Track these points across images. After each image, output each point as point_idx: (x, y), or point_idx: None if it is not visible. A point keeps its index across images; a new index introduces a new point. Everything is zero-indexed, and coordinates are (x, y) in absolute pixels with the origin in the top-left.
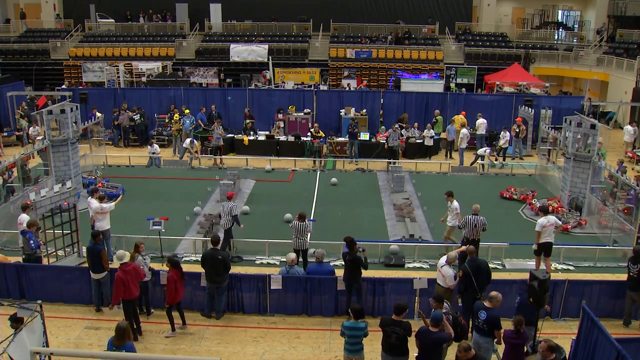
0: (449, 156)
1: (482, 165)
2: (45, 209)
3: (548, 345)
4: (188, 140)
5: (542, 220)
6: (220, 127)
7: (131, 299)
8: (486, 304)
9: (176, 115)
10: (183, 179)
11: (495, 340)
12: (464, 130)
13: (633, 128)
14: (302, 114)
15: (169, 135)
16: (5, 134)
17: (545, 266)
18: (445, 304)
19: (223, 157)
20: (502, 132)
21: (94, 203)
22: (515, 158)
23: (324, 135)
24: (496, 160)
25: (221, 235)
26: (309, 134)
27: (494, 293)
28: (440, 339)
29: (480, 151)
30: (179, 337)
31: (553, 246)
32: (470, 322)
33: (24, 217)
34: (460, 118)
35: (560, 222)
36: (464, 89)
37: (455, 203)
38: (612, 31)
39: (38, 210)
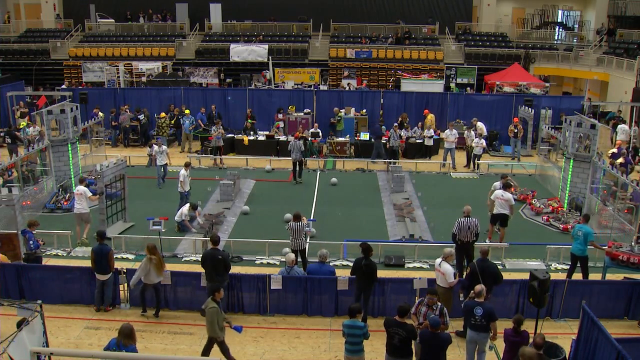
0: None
1: (478, 165)
2: (108, 178)
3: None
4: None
5: (499, 192)
6: (221, 127)
7: None
8: (477, 299)
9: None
10: None
11: (491, 334)
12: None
13: (633, 128)
14: (302, 114)
15: (170, 135)
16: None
17: (499, 236)
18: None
19: (223, 157)
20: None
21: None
22: (514, 158)
23: (306, 135)
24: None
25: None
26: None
27: (478, 287)
28: (448, 339)
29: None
30: (179, 337)
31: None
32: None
33: (82, 189)
34: (430, 118)
35: (514, 202)
36: (469, 89)
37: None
38: (612, 25)
39: (104, 178)
